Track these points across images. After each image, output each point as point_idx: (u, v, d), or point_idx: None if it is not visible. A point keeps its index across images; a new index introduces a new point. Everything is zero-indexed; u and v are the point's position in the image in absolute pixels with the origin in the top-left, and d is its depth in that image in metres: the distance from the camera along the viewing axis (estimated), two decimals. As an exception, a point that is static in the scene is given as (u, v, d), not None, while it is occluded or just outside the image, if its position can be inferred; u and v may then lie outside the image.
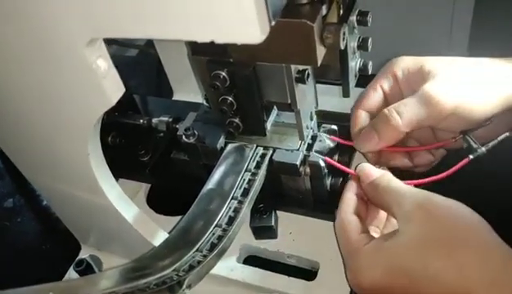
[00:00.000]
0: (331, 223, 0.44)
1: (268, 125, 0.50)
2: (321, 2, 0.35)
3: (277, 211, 0.53)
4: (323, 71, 0.46)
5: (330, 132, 0.50)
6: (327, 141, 0.50)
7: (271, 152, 0.49)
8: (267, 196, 0.50)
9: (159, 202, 0.60)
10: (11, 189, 0.68)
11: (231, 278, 0.50)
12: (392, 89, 0.47)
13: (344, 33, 0.37)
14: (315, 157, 0.48)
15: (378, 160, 0.48)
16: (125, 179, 0.60)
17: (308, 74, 0.43)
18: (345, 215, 0.42)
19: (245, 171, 0.47)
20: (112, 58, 0.33)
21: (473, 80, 0.43)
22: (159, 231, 0.49)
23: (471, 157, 0.43)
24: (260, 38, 0.26)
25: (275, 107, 0.51)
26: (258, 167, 0.48)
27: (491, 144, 0.43)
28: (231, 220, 0.43)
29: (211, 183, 0.46)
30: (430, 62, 0.44)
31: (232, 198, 0.45)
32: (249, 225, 0.51)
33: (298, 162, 0.47)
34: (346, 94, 0.47)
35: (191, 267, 0.39)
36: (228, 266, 0.51)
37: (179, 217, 0.53)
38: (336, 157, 0.51)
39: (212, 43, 0.27)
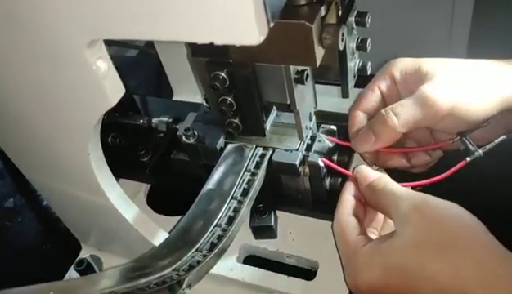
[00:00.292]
0: (330, 223, 0.44)
1: (268, 125, 0.50)
2: (319, 3, 0.36)
3: (277, 211, 0.53)
4: (322, 72, 0.46)
5: (329, 133, 0.51)
6: (326, 141, 0.50)
7: (270, 152, 0.49)
8: (267, 196, 0.50)
9: (158, 203, 0.60)
10: (11, 189, 0.69)
11: (230, 277, 0.50)
12: (390, 90, 0.47)
13: (343, 34, 0.37)
14: (314, 157, 0.48)
15: (375, 160, 0.49)
16: (125, 179, 0.60)
17: (307, 75, 0.43)
18: (343, 216, 0.42)
19: (245, 171, 0.48)
20: (112, 58, 0.33)
21: (470, 81, 0.43)
22: (159, 231, 0.49)
23: (468, 159, 0.43)
24: (258, 40, 0.26)
25: (274, 107, 0.51)
26: (257, 167, 0.48)
27: (488, 147, 0.43)
28: (230, 220, 0.44)
29: (211, 183, 0.47)
30: (428, 63, 0.44)
31: (232, 198, 0.45)
32: (248, 225, 0.52)
33: (297, 163, 0.47)
34: (345, 94, 0.47)
35: (191, 267, 0.40)
36: (228, 266, 0.51)
37: (179, 217, 0.54)
38: (335, 157, 0.51)
39: (211, 44, 0.27)
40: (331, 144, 0.50)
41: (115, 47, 0.79)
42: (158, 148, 0.59)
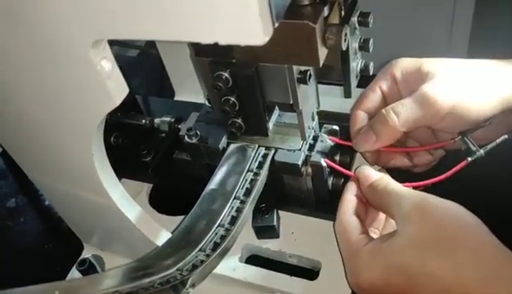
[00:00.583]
0: (333, 223, 0.44)
1: (270, 125, 0.50)
2: (322, 3, 0.36)
3: (279, 211, 0.53)
4: (325, 72, 0.46)
5: (332, 133, 0.51)
6: (328, 141, 0.50)
7: (273, 152, 0.49)
8: (269, 196, 0.50)
9: (160, 203, 0.61)
10: (13, 188, 0.69)
11: (233, 277, 0.50)
12: (391, 90, 0.47)
13: (346, 34, 0.37)
14: (316, 157, 0.48)
15: (376, 160, 0.49)
16: (127, 179, 0.60)
17: (310, 75, 0.43)
18: (345, 216, 0.43)
19: (247, 171, 0.48)
20: (113, 58, 0.33)
21: (471, 81, 0.43)
22: (161, 231, 0.49)
23: (469, 159, 0.43)
24: (263, 40, 0.26)
25: (277, 107, 0.51)
26: (260, 167, 0.48)
27: (489, 147, 0.43)
28: (233, 220, 0.44)
29: (213, 183, 0.47)
30: (429, 63, 0.45)
31: (235, 198, 0.45)
32: (251, 225, 0.52)
33: (299, 163, 0.47)
34: (348, 94, 0.48)
35: (195, 266, 0.40)
36: (230, 266, 0.51)
37: (181, 217, 0.54)
38: (337, 157, 0.51)
39: (215, 44, 0.27)
40: (333, 144, 0.50)
41: (116, 47, 0.79)
42: (160, 148, 0.59)
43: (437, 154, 0.49)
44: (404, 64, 0.46)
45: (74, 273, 0.55)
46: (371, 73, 0.48)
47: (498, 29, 0.88)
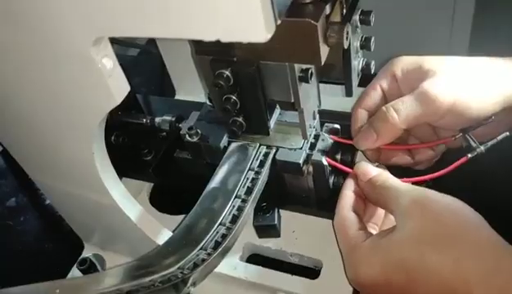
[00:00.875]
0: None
1: (271, 124, 0.50)
2: (324, 1, 0.36)
3: (280, 210, 0.53)
4: (326, 70, 0.46)
5: (333, 131, 0.51)
6: (330, 140, 0.50)
7: (274, 151, 0.49)
8: (270, 195, 0.50)
9: (162, 201, 0.60)
10: (13, 187, 0.68)
11: (234, 276, 0.50)
12: (392, 88, 0.47)
13: (347, 33, 0.37)
14: (318, 156, 0.48)
15: (377, 158, 0.49)
16: (128, 178, 0.60)
17: (312, 73, 0.43)
18: (343, 212, 0.43)
19: (249, 169, 0.48)
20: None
21: (471, 78, 0.43)
22: (162, 230, 0.49)
23: (469, 156, 0.43)
24: (266, 37, 0.26)
25: (278, 106, 0.51)
26: (261, 165, 0.48)
27: (490, 144, 0.43)
28: (234, 219, 0.44)
29: (214, 182, 0.47)
30: (429, 61, 0.45)
31: (236, 197, 0.45)
32: (252, 224, 0.52)
33: (301, 161, 0.47)
34: (349, 93, 0.47)
35: (196, 265, 0.40)
36: (231, 264, 0.51)
37: (181, 216, 0.54)
38: (339, 156, 0.51)
39: (216, 42, 0.27)
40: (335, 143, 0.50)
41: (116, 46, 0.79)
42: (161, 147, 0.59)
43: (438, 150, 0.49)
44: (405, 63, 0.46)
45: (75, 273, 0.55)
46: (373, 71, 0.48)
47: (498, 29, 0.88)
